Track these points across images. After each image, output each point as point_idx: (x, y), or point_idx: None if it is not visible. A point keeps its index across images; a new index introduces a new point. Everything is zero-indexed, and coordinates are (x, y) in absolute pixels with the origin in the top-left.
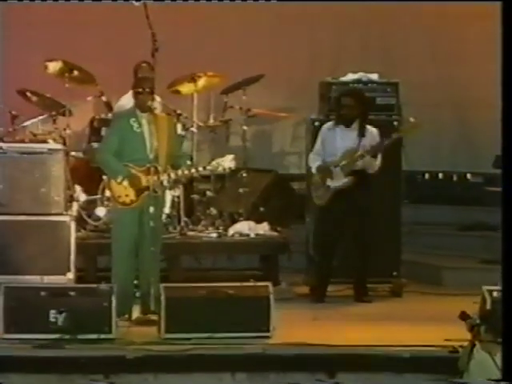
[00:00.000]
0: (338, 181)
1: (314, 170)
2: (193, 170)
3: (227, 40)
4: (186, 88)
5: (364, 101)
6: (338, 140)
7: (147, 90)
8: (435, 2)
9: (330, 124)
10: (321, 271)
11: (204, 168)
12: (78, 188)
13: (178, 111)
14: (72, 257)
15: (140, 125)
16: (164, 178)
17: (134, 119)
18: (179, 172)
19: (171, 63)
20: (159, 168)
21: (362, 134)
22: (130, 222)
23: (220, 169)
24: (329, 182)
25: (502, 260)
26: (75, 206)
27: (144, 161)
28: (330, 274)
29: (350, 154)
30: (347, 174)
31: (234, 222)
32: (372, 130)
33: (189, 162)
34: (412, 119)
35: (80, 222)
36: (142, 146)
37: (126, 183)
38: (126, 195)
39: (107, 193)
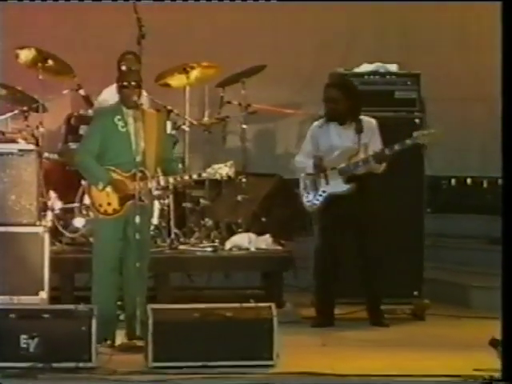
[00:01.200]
0: (336, 186)
1: (304, 174)
2: (185, 177)
3: (223, 26)
4: (176, 80)
5: (352, 92)
6: (334, 138)
7: (133, 83)
8: (435, 1)
9: (321, 121)
10: (323, 290)
11: (199, 175)
12: (52, 195)
13: (168, 107)
14: (46, 274)
15: (125, 123)
16: (152, 184)
17: (118, 117)
18: (170, 178)
19: (160, 52)
20: (147, 173)
21: (359, 129)
22: (113, 234)
23: (217, 176)
24: (323, 187)
25: (502, 262)
26: (49, 215)
27: (129, 165)
28: (333, 293)
29: (350, 155)
30: (347, 179)
31: (232, 234)
32: (369, 122)
33: (180, 166)
34: (431, 131)
35: (55, 233)
36: (127, 148)
37: (108, 190)
38: (109, 204)
39: (86, 201)
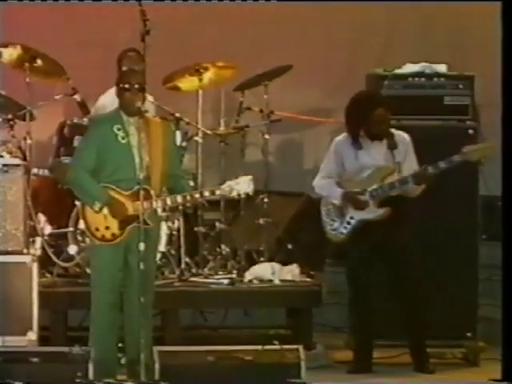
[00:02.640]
0: (367, 211)
1: (334, 199)
2: (197, 195)
3: (241, 20)
4: (187, 83)
5: (390, 109)
6: (363, 156)
7: (136, 86)
8: (435, 1)
9: (345, 136)
10: (360, 330)
11: (212, 192)
12: (42, 218)
13: (177, 114)
14: (34, 310)
15: (126, 133)
16: (158, 204)
17: (118, 126)
18: (178, 197)
19: (167, 50)
20: (152, 192)
21: (393, 145)
22: (112, 263)
23: (234, 194)
24: (351, 213)
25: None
26: (39, 241)
27: (131, 182)
28: (372, 333)
29: (383, 175)
30: (380, 202)
31: (253, 263)
32: (403, 137)
33: (191, 184)
34: (484, 145)
35: (45, 263)
36: (128, 162)
37: (106, 211)
38: (107, 228)
39: (82, 224)
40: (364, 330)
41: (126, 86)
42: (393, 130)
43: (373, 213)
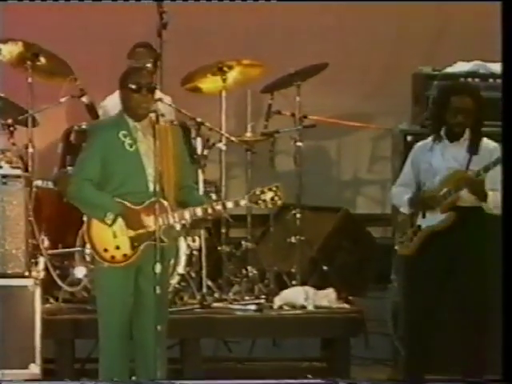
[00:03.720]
0: (431, 218)
1: (402, 208)
2: (218, 207)
3: (269, 14)
4: (209, 84)
5: (481, 102)
6: (438, 160)
7: (144, 86)
8: (435, 2)
9: (428, 141)
10: (409, 363)
11: (236, 204)
12: (46, 236)
13: (198, 119)
14: (37, 340)
15: (134, 140)
16: (175, 219)
17: (123, 132)
18: (198, 210)
19: (187, 47)
20: (166, 205)
21: (474, 149)
22: (123, 288)
23: (261, 205)
24: (419, 221)
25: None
26: (42, 263)
27: (142, 195)
28: (423, 367)
29: (455, 179)
30: (445, 207)
31: (283, 287)
32: (491, 146)
33: (214, 197)
34: None
35: (50, 287)
36: (138, 173)
37: (116, 228)
38: (117, 247)
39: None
40: (416, 363)
41: (133, 86)
42: (484, 139)
43: (436, 219)
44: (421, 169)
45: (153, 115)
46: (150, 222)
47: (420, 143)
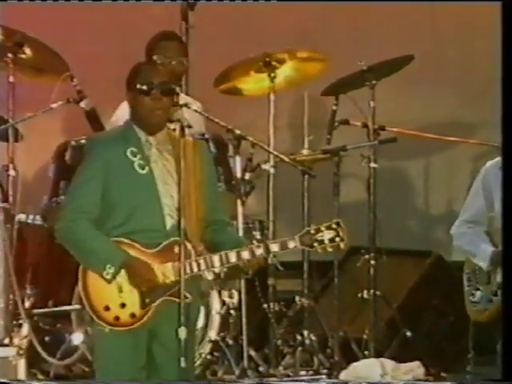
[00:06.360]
0: None
1: (479, 259)
2: (260, 251)
3: None
4: (252, 84)
5: None
6: None
7: (159, 86)
8: (435, 1)
9: (497, 160)
10: None
11: (283, 246)
12: (32, 289)
13: (237, 131)
14: None
15: (146, 160)
16: (201, 266)
17: (132, 149)
18: (231, 255)
19: (222, 35)
20: (189, 247)
21: None
22: (132, 359)
23: (317, 249)
24: (499, 276)
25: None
26: (26, 326)
27: (157, 234)
28: None
29: None
30: None
31: (352, 359)
32: None
33: (257, 236)
34: None
35: (37, 358)
36: (151, 203)
37: (122, 279)
38: (123, 305)
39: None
40: None
41: (143, 86)
42: None
43: None
44: (495, 197)
45: (173, 125)
46: (166, 270)
47: (491, 163)
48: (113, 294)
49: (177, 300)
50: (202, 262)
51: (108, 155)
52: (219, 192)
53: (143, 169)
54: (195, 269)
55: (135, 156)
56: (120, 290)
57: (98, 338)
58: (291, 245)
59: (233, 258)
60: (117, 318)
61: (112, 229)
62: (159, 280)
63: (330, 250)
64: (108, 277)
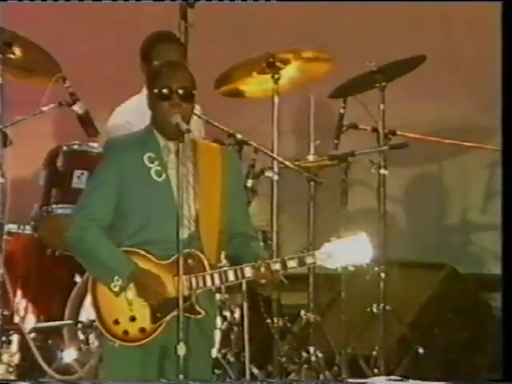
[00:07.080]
0: None
1: None
2: (277, 267)
3: None
4: (255, 85)
5: None
6: None
7: (179, 91)
8: (435, 1)
9: None
10: None
11: (301, 262)
12: (23, 303)
13: (239, 135)
14: None
15: (164, 167)
16: (215, 281)
17: (150, 154)
18: (247, 270)
19: (223, 34)
20: (204, 259)
21: None
22: (141, 375)
23: (327, 264)
24: None
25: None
26: (16, 342)
27: (171, 244)
28: None
29: None
30: None
31: (361, 376)
32: None
33: (261, 245)
34: None
35: (27, 375)
36: (167, 212)
37: (131, 294)
38: (133, 318)
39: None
40: None
41: (164, 90)
42: None
43: None
44: None
45: (183, 126)
46: (179, 284)
47: None
48: (123, 307)
49: (191, 316)
50: (216, 275)
51: (124, 160)
52: (245, 203)
53: (160, 176)
54: (209, 283)
55: (152, 162)
56: (130, 303)
57: (107, 352)
58: (310, 261)
59: (248, 272)
60: (126, 333)
61: (125, 238)
62: (171, 294)
63: (351, 269)
64: (116, 289)
